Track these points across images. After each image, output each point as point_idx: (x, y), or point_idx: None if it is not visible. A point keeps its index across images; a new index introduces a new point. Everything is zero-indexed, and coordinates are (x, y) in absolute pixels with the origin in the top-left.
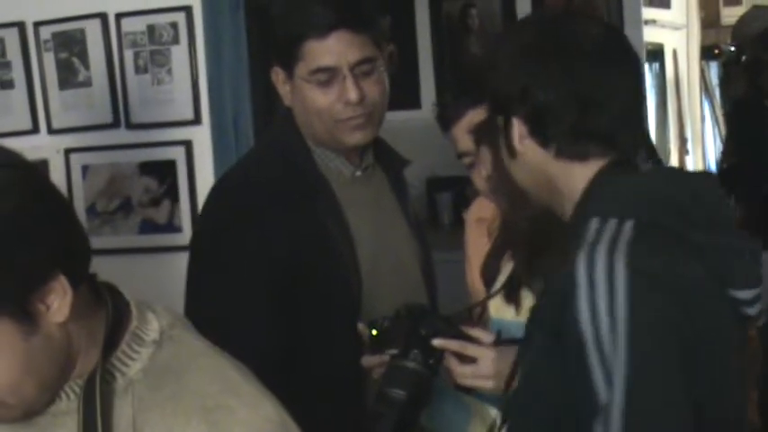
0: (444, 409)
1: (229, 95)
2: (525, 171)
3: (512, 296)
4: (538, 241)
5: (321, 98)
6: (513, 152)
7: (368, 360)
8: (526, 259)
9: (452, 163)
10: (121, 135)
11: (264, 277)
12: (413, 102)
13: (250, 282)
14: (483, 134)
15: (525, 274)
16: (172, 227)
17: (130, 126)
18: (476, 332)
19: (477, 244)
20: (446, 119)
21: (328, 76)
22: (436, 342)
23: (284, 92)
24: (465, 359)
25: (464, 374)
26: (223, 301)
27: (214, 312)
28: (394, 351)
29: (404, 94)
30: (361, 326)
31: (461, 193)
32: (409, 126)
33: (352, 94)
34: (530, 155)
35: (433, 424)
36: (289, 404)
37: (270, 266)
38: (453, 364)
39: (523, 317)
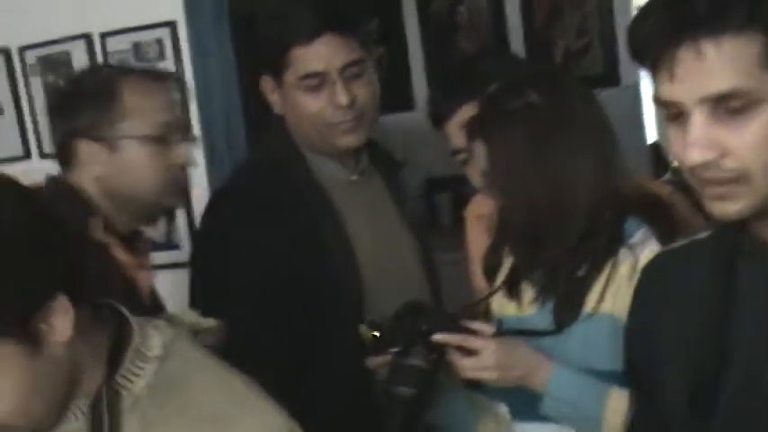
0: (456, 409)
1: (219, 108)
2: None
3: (513, 291)
4: (536, 233)
5: (311, 103)
6: None
7: (372, 361)
8: (525, 252)
9: (449, 163)
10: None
11: (264, 285)
12: (406, 103)
13: (251, 290)
14: (476, 129)
15: (525, 268)
16: (169, 244)
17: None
18: (477, 325)
19: (479, 241)
20: (438, 116)
21: (317, 81)
22: (437, 337)
23: (274, 100)
24: (467, 352)
25: (467, 367)
26: (223, 311)
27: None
28: (397, 349)
29: (396, 95)
30: (362, 328)
31: (460, 192)
32: (403, 128)
33: (342, 98)
34: None
35: (446, 423)
36: (296, 408)
37: (269, 275)
38: (456, 357)
39: (525, 312)
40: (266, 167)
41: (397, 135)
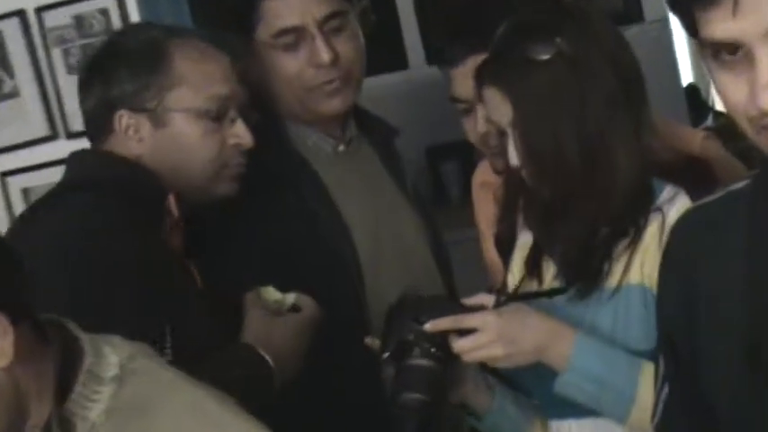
0: (508, 411)
1: None
2: None
3: (534, 271)
4: (563, 203)
5: (289, 64)
6: None
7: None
8: (546, 227)
9: (454, 126)
10: (62, 147)
11: (253, 272)
12: (398, 62)
13: (237, 278)
14: (490, 76)
15: (546, 243)
16: None
17: (71, 135)
18: (476, 299)
19: (486, 212)
20: (443, 60)
21: (294, 37)
22: (427, 326)
23: (248, 65)
24: (467, 334)
25: (464, 348)
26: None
27: None
28: (389, 352)
29: (387, 54)
30: (368, 340)
31: (469, 160)
32: (398, 90)
33: (324, 55)
34: None
35: (498, 429)
36: (298, 411)
37: (257, 259)
38: (454, 341)
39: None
40: None
41: (390, 99)
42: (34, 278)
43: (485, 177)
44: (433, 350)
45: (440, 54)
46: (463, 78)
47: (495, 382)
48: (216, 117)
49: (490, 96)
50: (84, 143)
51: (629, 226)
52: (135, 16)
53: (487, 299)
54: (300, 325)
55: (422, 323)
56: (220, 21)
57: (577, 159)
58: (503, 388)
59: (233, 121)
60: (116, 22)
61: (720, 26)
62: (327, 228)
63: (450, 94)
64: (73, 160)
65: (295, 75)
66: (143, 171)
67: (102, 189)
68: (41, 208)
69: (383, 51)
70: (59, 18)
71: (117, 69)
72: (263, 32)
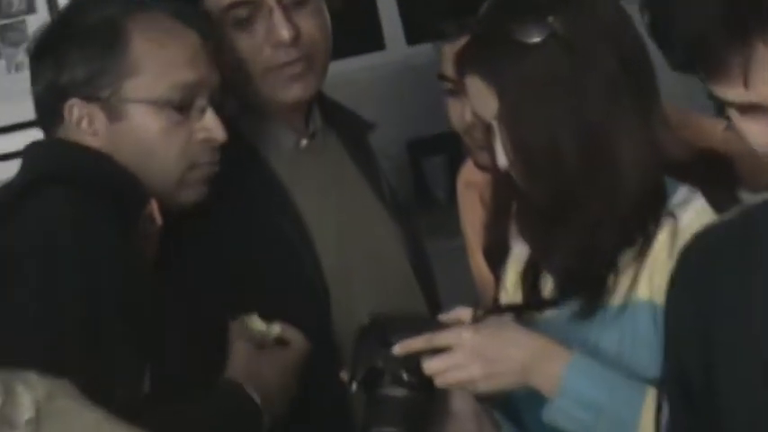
0: None
1: None
2: None
3: (533, 290)
4: (561, 209)
5: (242, 42)
6: None
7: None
8: (541, 236)
9: (439, 116)
10: None
11: (203, 288)
12: (374, 41)
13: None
14: (474, 63)
15: (543, 255)
16: None
17: None
18: (453, 314)
19: (472, 217)
20: (437, 34)
21: (248, 10)
22: (396, 349)
23: None
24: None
25: (434, 369)
26: None
27: None
28: (357, 381)
29: (361, 32)
30: (342, 373)
31: (458, 155)
32: (374, 75)
33: (284, 32)
34: None
35: None
36: None
37: (206, 274)
38: (424, 362)
39: (552, 310)
40: None
41: (364, 84)
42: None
43: (471, 176)
44: (405, 376)
45: (433, 27)
46: (452, 55)
47: (502, 419)
48: (180, 107)
49: (473, 85)
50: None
51: (637, 233)
52: None
53: (466, 313)
54: (289, 361)
55: (391, 345)
56: None
57: (575, 157)
58: (512, 427)
59: (202, 111)
60: (40, 1)
61: (732, 92)
62: (285, 236)
63: (439, 72)
64: (36, 151)
65: (249, 55)
66: (121, 167)
67: (79, 184)
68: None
69: (355, 29)
70: None
71: (68, 51)
72: (213, 5)
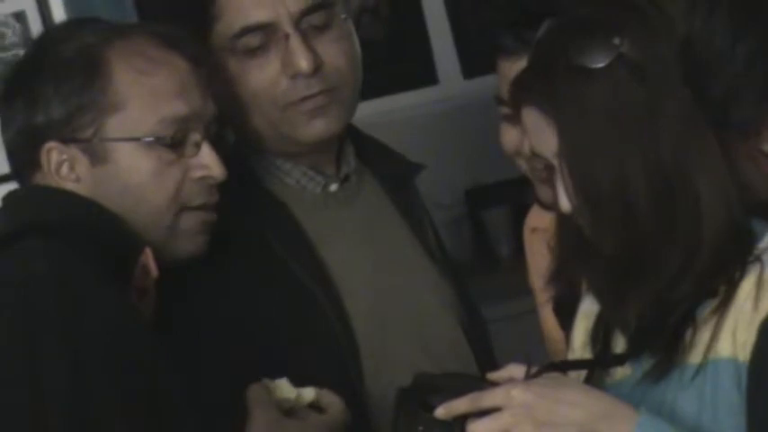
0: None
1: None
2: None
3: (605, 351)
4: (626, 264)
5: (255, 74)
6: None
7: None
8: (611, 289)
9: (502, 160)
10: None
11: (214, 355)
12: (426, 75)
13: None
14: (530, 92)
15: (613, 311)
16: None
17: None
18: (504, 371)
19: (540, 267)
20: (499, 46)
21: (262, 38)
22: (439, 412)
23: None
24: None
25: None
26: None
27: None
28: None
29: (411, 65)
30: None
31: (523, 205)
32: (426, 112)
33: (302, 62)
34: None
35: None
36: None
37: (218, 339)
38: (471, 427)
39: (617, 373)
40: None
41: (416, 123)
42: None
43: (537, 220)
44: None
45: (493, 37)
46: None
47: None
48: (172, 144)
49: (530, 119)
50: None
51: (719, 282)
52: (61, 18)
53: (518, 371)
54: (323, 428)
55: (433, 408)
56: (167, 20)
57: (649, 200)
58: None
59: (197, 146)
60: (36, 29)
61: None
62: (311, 295)
63: (496, 93)
64: (14, 200)
65: (264, 88)
66: (111, 213)
67: (63, 235)
68: None
69: (404, 61)
70: None
71: (42, 89)
72: (222, 34)
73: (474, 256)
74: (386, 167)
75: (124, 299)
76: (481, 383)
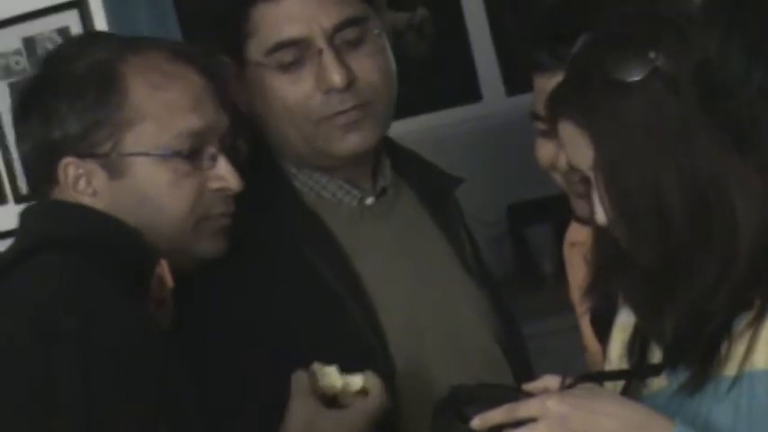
0: None
1: None
2: None
3: (641, 363)
4: (663, 277)
5: (289, 89)
6: None
7: None
8: (647, 302)
9: (545, 176)
10: (10, 213)
11: (245, 372)
12: (469, 91)
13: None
14: (566, 106)
15: (649, 324)
16: None
17: (21, 199)
18: (540, 382)
19: (578, 279)
20: (534, 63)
21: (295, 53)
22: (475, 423)
23: (236, 91)
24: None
25: None
26: None
27: None
28: None
29: (455, 81)
30: None
31: (566, 221)
32: (469, 129)
33: (336, 77)
34: None
35: None
36: None
37: (248, 357)
38: None
39: (654, 385)
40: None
41: (457, 139)
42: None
43: (576, 235)
44: None
45: (528, 54)
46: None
47: None
48: (189, 157)
49: (566, 132)
50: None
51: (755, 294)
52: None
53: (554, 382)
54: (362, 417)
55: (469, 420)
56: (207, 36)
57: (685, 213)
58: None
59: (213, 158)
60: None
61: None
62: (344, 309)
63: (531, 109)
64: (30, 215)
65: (298, 103)
66: (127, 226)
67: (79, 248)
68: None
69: (448, 78)
70: (5, 42)
71: (57, 105)
72: (256, 50)
73: (517, 272)
74: (423, 181)
75: (140, 311)
76: (517, 394)
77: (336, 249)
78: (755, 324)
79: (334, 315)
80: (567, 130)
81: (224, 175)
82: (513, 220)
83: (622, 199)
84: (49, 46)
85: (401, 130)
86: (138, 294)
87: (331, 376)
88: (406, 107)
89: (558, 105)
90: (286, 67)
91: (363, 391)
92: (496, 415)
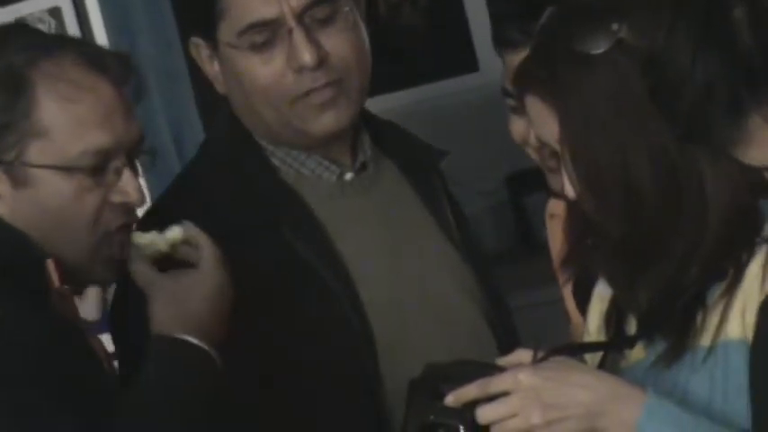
0: None
1: (160, 103)
2: None
3: (618, 336)
4: (633, 248)
5: (261, 69)
6: None
7: None
8: (620, 273)
9: None
10: None
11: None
12: (466, 63)
13: None
14: (531, 80)
15: (623, 295)
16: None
17: None
18: (513, 356)
19: (558, 250)
20: (503, 39)
21: (266, 34)
22: (449, 399)
23: (213, 72)
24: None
25: (488, 418)
26: None
27: None
28: None
29: (451, 52)
30: None
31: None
32: (466, 99)
33: (306, 55)
34: None
35: None
36: None
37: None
38: (479, 412)
39: (632, 357)
40: (209, 175)
41: (454, 110)
42: None
43: (555, 206)
44: (462, 430)
45: (497, 32)
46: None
47: None
48: (93, 171)
49: (532, 107)
50: None
51: (727, 265)
52: (96, 16)
53: (526, 355)
54: (209, 275)
55: (444, 396)
56: (185, 20)
57: (653, 185)
58: None
59: (118, 172)
60: (72, 29)
61: None
62: (325, 287)
63: (502, 85)
64: None
65: (272, 83)
66: (11, 230)
67: None
68: None
69: (443, 49)
70: None
71: None
72: (228, 31)
73: (516, 241)
74: (406, 154)
75: (34, 307)
76: (491, 369)
77: (314, 224)
78: (728, 294)
79: (314, 292)
80: (534, 104)
81: (128, 189)
82: (512, 190)
83: (589, 173)
84: (41, 26)
85: (399, 102)
86: (36, 290)
87: (154, 241)
88: (403, 79)
89: (524, 80)
90: (258, 48)
91: (187, 242)
92: (470, 391)
